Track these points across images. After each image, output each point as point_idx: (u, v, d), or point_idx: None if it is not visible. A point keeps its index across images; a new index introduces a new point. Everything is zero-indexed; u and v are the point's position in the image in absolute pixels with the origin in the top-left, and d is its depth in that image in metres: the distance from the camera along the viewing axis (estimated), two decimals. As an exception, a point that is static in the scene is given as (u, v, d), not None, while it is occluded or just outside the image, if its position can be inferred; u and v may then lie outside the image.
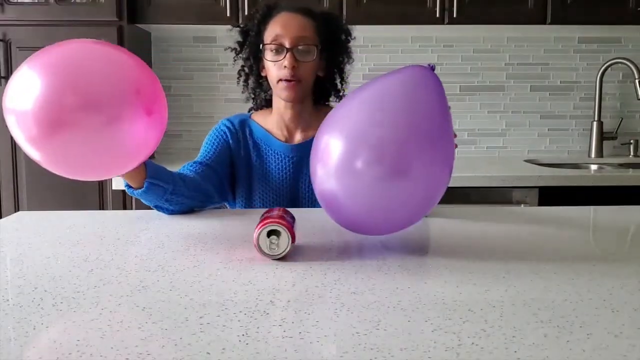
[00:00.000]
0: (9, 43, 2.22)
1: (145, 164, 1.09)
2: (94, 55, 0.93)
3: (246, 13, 2.21)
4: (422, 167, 0.82)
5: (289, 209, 0.95)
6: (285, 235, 0.84)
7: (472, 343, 0.56)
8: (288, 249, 0.84)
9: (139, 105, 0.92)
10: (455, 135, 0.93)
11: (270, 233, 0.84)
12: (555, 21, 2.29)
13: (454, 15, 2.25)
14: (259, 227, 0.85)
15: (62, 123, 0.86)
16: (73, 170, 0.96)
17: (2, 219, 1.13)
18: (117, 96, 0.90)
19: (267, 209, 0.94)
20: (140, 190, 1.09)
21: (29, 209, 2.25)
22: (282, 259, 0.85)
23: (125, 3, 2.22)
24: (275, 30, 1.26)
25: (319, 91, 1.39)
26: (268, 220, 0.85)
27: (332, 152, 0.84)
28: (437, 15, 2.26)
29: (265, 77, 1.34)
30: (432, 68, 0.86)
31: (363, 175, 0.81)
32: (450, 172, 0.85)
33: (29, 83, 0.88)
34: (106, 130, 0.88)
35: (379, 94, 0.85)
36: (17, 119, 0.88)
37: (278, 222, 0.85)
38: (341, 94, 1.43)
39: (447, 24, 2.28)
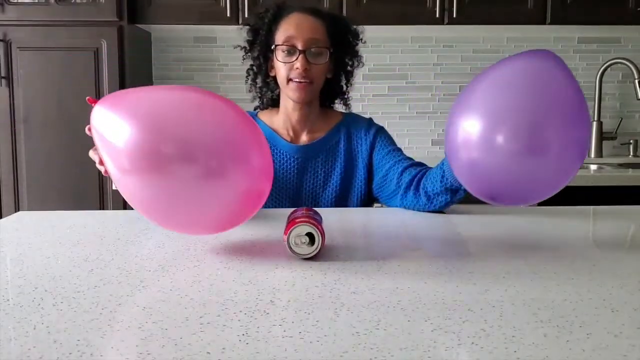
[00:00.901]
0: (9, 43, 2.22)
1: None
2: (194, 104, 0.84)
3: (246, 13, 2.21)
4: (557, 146, 0.86)
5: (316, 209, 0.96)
6: (317, 237, 0.85)
7: (472, 343, 0.56)
8: (318, 250, 0.85)
9: (243, 157, 0.82)
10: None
11: (306, 234, 0.85)
12: (555, 21, 2.29)
13: (454, 15, 2.26)
14: (292, 224, 0.85)
15: (157, 169, 0.79)
16: (164, 216, 0.86)
17: (2, 219, 1.13)
18: (218, 148, 0.81)
19: (294, 209, 0.94)
20: None
21: (29, 209, 2.25)
22: (310, 259, 0.85)
23: (125, 3, 2.22)
24: (288, 31, 1.26)
25: (326, 93, 1.39)
26: (303, 219, 0.85)
27: (472, 128, 0.89)
28: (437, 15, 2.26)
29: (274, 77, 1.34)
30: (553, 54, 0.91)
31: (502, 150, 0.86)
32: (584, 150, 0.89)
33: (122, 122, 0.81)
34: (205, 182, 0.80)
35: (512, 75, 0.89)
36: (109, 150, 0.82)
37: (313, 224, 0.85)
38: (346, 96, 1.43)
39: (447, 24, 2.28)
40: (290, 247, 0.84)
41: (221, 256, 0.87)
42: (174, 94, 0.85)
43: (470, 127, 0.89)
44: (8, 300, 0.68)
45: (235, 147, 0.82)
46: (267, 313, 0.64)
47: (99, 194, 2.27)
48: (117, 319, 0.63)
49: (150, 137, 0.79)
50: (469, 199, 1.13)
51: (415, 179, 1.20)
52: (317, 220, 0.87)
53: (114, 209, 2.24)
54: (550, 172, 0.88)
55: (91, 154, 1.00)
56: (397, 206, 1.26)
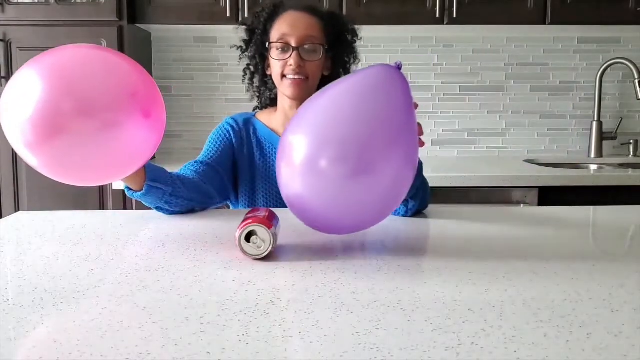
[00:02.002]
0: (9, 43, 2.22)
1: (144, 167, 1.09)
2: (89, 60, 0.92)
3: (246, 13, 2.21)
4: (385, 165, 0.81)
5: (274, 210, 0.95)
6: (266, 234, 0.84)
7: (472, 343, 0.56)
8: (269, 249, 0.84)
9: (136, 110, 0.91)
10: (422, 134, 0.94)
11: (251, 234, 0.84)
12: (554, 21, 2.29)
13: (454, 15, 2.26)
14: (241, 227, 0.85)
15: (58, 128, 0.86)
16: (71, 176, 0.95)
17: (2, 219, 1.13)
18: (113, 101, 0.89)
19: (251, 209, 0.94)
20: (139, 193, 1.09)
21: (29, 209, 2.25)
22: (264, 258, 0.85)
23: (125, 3, 2.22)
24: (282, 29, 1.26)
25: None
26: (249, 221, 0.85)
27: (296, 150, 0.83)
28: (437, 15, 2.26)
29: (271, 75, 1.34)
30: (399, 66, 0.86)
31: (327, 173, 0.80)
32: (414, 169, 0.85)
33: (24, 88, 0.87)
34: (102, 135, 0.88)
35: (344, 92, 0.85)
36: (14, 124, 0.88)
37: (258, 222, 0.85)
38: None
39: (447, 24, 2.28)
40: (242, 248, 0.85)
41: (221, 256, 0.87)
42: (63, 54, 0.92)
43: (295, 151, 0.83)
44: (8, 300, 0.68)
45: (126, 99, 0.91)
46: (267, 313, 0.64)
47: (99, 194, 2.27)
48: (117, 319, 0.63)
49: (49, 98, 0.86)
50: (469, 200, 1.13)
51: None
52: (268, 220, 0.86)
53: (114, 209, 2.24)
54: (379, 195, 0.83)
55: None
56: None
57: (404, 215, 1.17)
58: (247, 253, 0.84)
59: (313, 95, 0.89)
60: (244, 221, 0.86)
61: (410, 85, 0.85)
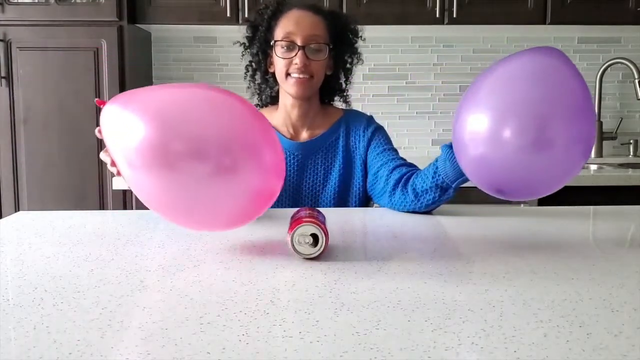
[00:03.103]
0: (9, 43, 2.22)
1: None
2: (207, 101, 0.83)
3: (246, 13, 2.21)
4: (564, 141, 0.87)
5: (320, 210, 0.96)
6: (321, 238, 0.84)
7: (472, 343, 0.56)
8: (321, 251, 0.85)
9: (255, 155, 0.82)
10: None
11: (310, 234, 0.85)
12: (555, 21, 2.29)
13: (454, 15, 2.26)
14: (296, 223, 0.85)
15: (168, 166, 0.79)
16: (176, 213, 0.86)
17: (2, 219, 1.13)
18: (231, 145, 0.80)
19: (298, 209, 0.94)
20: None
21: (29, 209, 2.25)
22: (314, 259, 0.85)
23: (125, 3, 2.22)
24: (287, 27, 1.26)
25: (325, 90, 1.39)
26: (309, 219, 0.85)
27: (479, 123, 0.90)
28: (437, 15, 2.26)
29: (273, 73, 1.34)
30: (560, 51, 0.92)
31: (509, 144, 0.87)
32: (589, 147, 0.90)
33: (132, 120, 0.81)
34: (217, 179, 0.79)
35: (518, 71, 0.90)
36: (119, 149, 0.82)
37: (318, 225, 0.85)
38: (345, 94, 1.43)
39: (447, 24, 2.28)
40: (293, 246, 0.84)
41: (221, 256, 0.87)
42: (184, 91, 0.85)
43: (477, 122, 0.90)
44: (8, 300, 0.68)
45: (247, 143, 0.81)
46: (267, 313, 0.64)
47: (99, 194, 2.27)
48: (117, 319, 0.63)
49: (161, 134, 0.79)
50: (468, 200, 1.13)
51: (404, 177, 1.20)
52: (321, 221, 0.87)
53: (114, 209, 2.24)
54: (556, 166, 0.89)
55: (102, 155, 0.96)
56: (385, 205, 1.24)
57: (416, 208, 1.17)
58: (299, 252, 0.85)
59: (483, 74, 0.94)
60: (300, 219, 0.86)
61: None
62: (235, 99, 0.84)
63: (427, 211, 1.18)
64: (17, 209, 2.26)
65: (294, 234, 0.84)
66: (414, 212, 1.18)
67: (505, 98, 0.89)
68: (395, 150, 1.34)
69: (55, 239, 0.98)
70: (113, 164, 0.91)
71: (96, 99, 0.90)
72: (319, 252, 0.84)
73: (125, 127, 0.82)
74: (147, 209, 1.18)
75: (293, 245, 0.84)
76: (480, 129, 0.90)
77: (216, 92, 0.84)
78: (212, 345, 0.55)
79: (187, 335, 0.58)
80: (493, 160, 0.91)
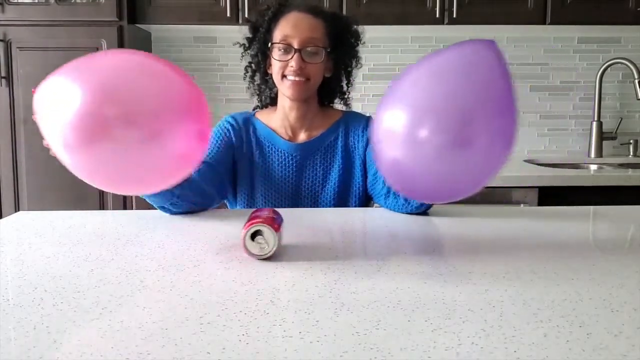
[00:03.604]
0: (9, 43, 2.22)
1: None
2: (138, 68, 0.87)
3: (246, 13, 2.21)
4: (485, 137, 0.82)
5: (278, 210, 0.95)
6: (271, 235, 0.84)
7: (472, 343, 0.56)
8: (274, 249, 0.84)
9: (183, 121, 0.85)
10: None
11: (256, 233, 0.84)
12: (554, 21, 2.29)
13: (454, 15, 2.26)
14: (246, 227, 0.85)
15: (101, 135, 0.81)
16: (105, 183, 0.90)
17: (2, 219, 1.13)
18: (160, 111, 0.84)
19: (255, 209, 0.94)
20: (149, 194, 1.09)
21: (29, 209, 2.25)
22: (266, 259, 0.85)
23: (125, 3, 2.22)
24: (285, 29, 1.26)
25: (325, 92, 1.39)
26: (255, 221, 0.85)
27: (397, 121, 0.84)
28: (437, 15, 2.26)
29: (272, 74, 1.34)
30: (494, 43, 0.87)
31: (427, 143, 0.82)
32: (511, 143, 0.86)
33: (66, 91, 0.83)
34: (147, 144, 0.82)
35: (441, 65, 0.86)
36: (51, 124, 0.84)
37: (264, 222, 0.85)
38: (346, 96, 1.43)
39: (447, 24, 2.28)
40: (245, 246, 0.85)
41: (221, 256, 0.87)
42: (115, 58, 0.89)
43: (393, 120, 0.84)
44: (8, 300, 0.68)
45: (174, 109, 0.84)
46: (267, 313, 0.64)
47: (99, 194, 2.27)
48: (117, 319, 0.63)
49: (93, 100, 0.81)
50: (468, 200, 1.13)
51: None
52: (274, 221, 0.87)
53: (114, 209, 2.24)
54: (477, 166, 0.84)
55: (45, 144, 0.93)
56: (383, 206, 1.25)
57: (408, 210, 1.16)
58: (251, 253, 0.84)
59: (407, 69, 0.90)
60: (249, 220, 0.86)
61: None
62: (165, 65, 0.88)
63: (422, 212, 1.18)
64: (17, 209, 2.26)
65: (245, 236, 0.84)
66: (409, 213, 1.18)
67: (421, 95, 0.84)
68: None
69: (55, 239, 0.98)
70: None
71: (32, 89, 0.91)
72: (269, 254, 0.84)
73: (57, 102, 0.84)
74: (148, 209, 1.18)
75: (246, 246, 0.84)
76: (397, 127, 0.83)
77: (147, 58, 0.88)
78: (212, 345, 0.55)
79: (187, 335, 0.58)
80: (410, 162, 0.85)
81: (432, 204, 1.18)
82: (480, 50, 0.85)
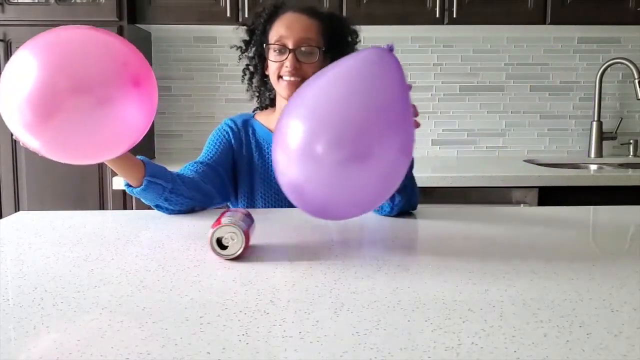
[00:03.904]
0: (9, 43, 2.22)
1: (144, 163, 1.09)
2: (80, 39, 0.94)
3: (246, 13, 2.21)
4: (380, 149, 0.80)
5: (250, 210, 0.95)
6: (239, 235, 0.84)
7: (472, 343, 0.56)
8: (241, 249, 0.84)
9: (127, 81, 0.92)
10: (417, 115, 0.91)
11: (222, 234, 0.84)
12: (554, 21, 2.29)
13: (454, 16, 2.25)
14: (213, 226, 0.85)
15: (54, 107, 0.87)
16: (71, 155, 0.96)
17: (2, 219, 1.13)
18: (106, 76, 0.91)
19: (226, 209, 0.94)
20: (139, 189, 1.09)
21: (29, 209, 2.25)
22: (237, 258, 0.84)
23: (125, 3, 2.22)
24: (280, 30, 1.26)
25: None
26: (220, 222, 0.85)
27: (291, 134, 0.82)
28: (437, 15, 2.26)
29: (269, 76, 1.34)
30: (391, 49, 0.86)
31: (322, 158, 0.79)
32: (410, 153, 0.85)
33: (19, 71, 0.89)
34: (98, 110, 0.89)
35: (338, 77, 0.84)
36: (11, 107, 0.89)
37: (232, 224, 0.84)
38: None
39: (447, 24, 2.28)
40: (212, 247, 0.85)
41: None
42: (64, 34, 0.94)
43: (291, 134, 0.82)
44: (8, 300, 0.68)
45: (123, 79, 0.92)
46: (267, 313, 0.64)
47: (99, 194, 2.27)
48: (117, 319, 0.63)
49: (44, 75, 0.87)
50: (469, 200, 1.13)
51: None
52: (242, 222, 0.86)
53: (114, 209, 2.23)
54: (376, 178, 0.82)
55: (15, 137, 0.97)
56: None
57: (389, 213, 1.15)
58: (220, 254, 0.84)
59: (308, 80, 0.89)
60: (216, 222, 0.86)
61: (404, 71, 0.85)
62: (113, 37, 0.97)
63: (398, 214, 1.18)
64: (17, 209, 2.26)
65: (212, 234, 0.84)
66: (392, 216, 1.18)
67: (319, 106, 0.82)
68: None
69: (55, 239, 0.98)
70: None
71: None
72: (236, 254, 0.84)
73: (10, 84, 0.89)
74: (147, 209, 1.18)
75: (212, 245, 0.84)
76: (293, 143, 0.81)
77: (95, 32, 0.95)
78: (212, 345, 0.55)
79: (187, 335, 0.58)
80: (304, 176, 0.83)
81: (414, 207, 1.18)
82: (377, 58, 0.85)
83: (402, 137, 0.83)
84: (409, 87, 0.86)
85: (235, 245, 0.84)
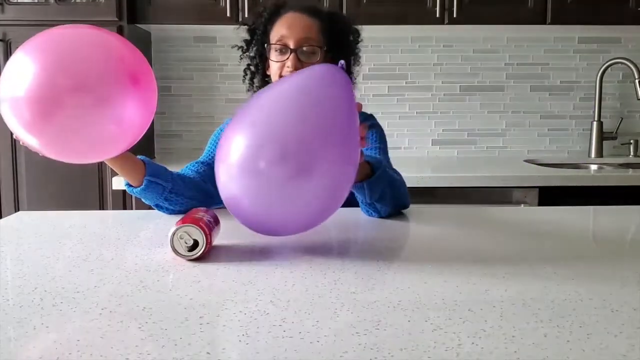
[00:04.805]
0: (9, 43, 2.22)
1: (145, 163, 1.09)
2: (77, 37, 0.95)
3: (246, 13, 2.21)
4: (323, 164, 0.80)
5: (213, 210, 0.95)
6: (200, 236, 0.84)
7: (472, 343, 0.56)
8: (202, 250, 0.84)
9: (125, 77, 0.93)
10: (363, 134, 0.90)
11: (183, 234, 0.84)
12: (555, 21, 2.28)
13: (454, 15, 2.25)
14: (175, 225, 0.85)
15: (54, 105, 0.88)
16: (72, 153, 0.97)
17: (2, 219, 1.13)
18: (103, 72, 0.91)
19: (192, 209, 0.94)
20: (139, 188, 1.09)
21: (29, 209, 2.25)
22: (202, 258, 0.84)
23: (125, 3, 2.22)
24: (281, 30, 1.26)
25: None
26: (184, 221, 0.85)
27: (233, 149, 0.82)
28: (437, 15, 2.26)
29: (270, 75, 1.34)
30: (342, 67, 0.86)
31: (265, 173, 0.79)
32: (354, 168, 0.84)
33: (18, 71, 0.90)
34: (97, 108, 0.90)
35: (285, 91, 0.84)
36: (11, 107, 0.89)
37: (193, 223, 0.84)
38: None
39: (447, 24, 2.28)
40: (172, 246, 0.84)
41: (221, 256, 0.87)
42: (65, 33, 0.95)
43: (234, 149, 0.82)
44: (8, 300, 0.68)
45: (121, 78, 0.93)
46: (267, 313, 0.64)
47: (99, 194, 2.27)
48: (117, 319, 0.63)
49: (47, 74, 0.88)
50: (469, 200, 1.13)
51: None
52: (205, 223, 0.86)
53: (114, 209, 2.23)
54: (322, 193, 0.82)
55: (15, 136, 0.97)
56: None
57: (379, 217, 1.15)
58: (179, 253, 0.84)
59: (257, 93, 0.89)
60: (179, 221, 0.86)
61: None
62: (109, 35, 0.97)
63: (400, 209, 1.18)
64: (17, 209, 2.26)
65: (173, 234, 0.84)
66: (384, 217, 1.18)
67: (263, 120, 0.82)
68: (385, 151, 1.34)
69: (55, 239, 0.98)
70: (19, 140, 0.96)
71: None
72: (196, 255, 0.84)
73: (10, 85, 0.90)
74: (148, 209, 1.18)
75: (172, 244, 0.84)
76: (235, 157, 0.81)
77: (94, 30, 0.96)
78: (212, 345, 0.55)
79: (187, 335, 0.58)
80: (249, 193, 0.82)
81: (406, 205, 1.18)
82: (323, 73, 0.84)
83: (345, 151, 0.83)
84: (359, 106, 0.86)
85: (199, 246, 0.83)
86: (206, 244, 0.84)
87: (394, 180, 1.14)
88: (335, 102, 0.83)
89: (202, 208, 0.93)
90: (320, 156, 0.80)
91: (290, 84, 0.85)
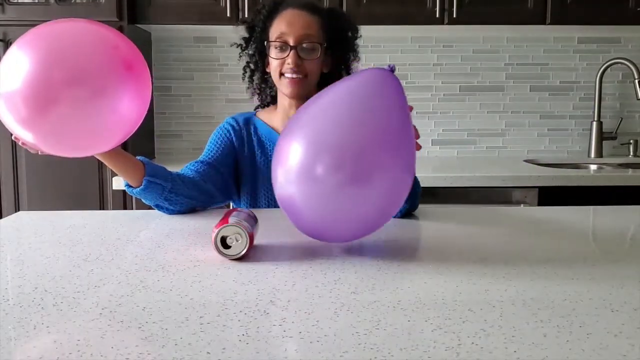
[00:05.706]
0: (9, 43, 2.22)
1: (144, 164, 1.09)
2: (70, 30, 0.95)
3: (246, 13, 2.21)
4: (382, 171, 0.80)
5: (253, 210, 0.95)
6: (244, 236, 0.84)
7: (472, 343, 0.56)
8: (245, 250, 0.84)
9: (119, 65, 0.93)
10: (418, 137, 0.91)
11: (227, 233, 0.84)
12: (554, 21, 2.29)
13: (454, 15, 2.25)
14: (217, 226, 0.85)
15: (50, 100, 0.88)
16: (70, 146, 0.97)
17: (2, 219, 1.13)
18: (97, 61, 0.92)
19: (231, 209, 0.94)
20: (139, 189, 1.09)
21: (29, 209, 2.25)
22: (241, 258, 0.84)
23: (125, 3, 2.22)
24: (280, 27, 1.26)
25: (323, 88, 1.39)
26: (226, 221, 0.85)
27: (292, 156, 0.82)
28: (437, 15, 2.26)
29: (271, 73, 1.34)
30: (392, 69, 0.85)
31: (323, 180, 0.79)
32: (412, 174, 0.84)
33: (13, 66, 0.89)
34: (93, 98, 0.90)
35: (339, 97, 0.84)
36: (7, 102, 0.89)
37: (237, 224, 0.85)
38: None
39: (447, 24, 2.28)
40: (216, 246, 0.84)
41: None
42: (61, 27, 0.96)
43: (291, 156, 0.82)
44: (8, 300, 0.68)
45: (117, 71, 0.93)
46: (267, 313, 0.64)
47: (99, 194, 2.27)
48: (117, 319, 0.63)
49: (43, 67, 0.88)
50: (469, 201, 1.13)
51: None
52: (246, 222, 0.86)
53: (114, 209, 2.24)
54: (377, 202, 0.81)
55: (14, 137, 0.98)
56: None
57: (393, 217, 1.16)
58: (223, 253, 0.84)
59: (309, 100, 0.89)
60: (220, 221, 0.86)
61: (408, 85, 0.85)
62: (100, 26, 0.97)
63: (411, 211, 1.18)
64: (17, 209, 2.26)
65: (217, 234, 0.84)
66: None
67: (319, 131, 0.81)
68: None
69: (55, 239, 0.98)
70: (17, 138, 0.96)
71: None
72: (240, 254, 0.84)
73: (5, 80, 0.90)
74: (148, 209, 1.18)
75: (216, 245, 0.84)
76: (293, 165, 0.81)
77: (84, 22, 0.97)
78: (212, 345, 0.55)
79: (187, 335, 0.58)
80: (310, 200, 0.82)
81: (416, 206, 1.18)
82: (376, 77, 0.83)
83: (403, 156, 0.82)
84: (410, 109, 0.86)
85: (239, 246, 0.84)
86: (249, 243, 0.84)
87: (417, 180, 1.16)
88: (389, 107, 0.82)
89: (242, 208, 0.95)
90: (376, 163, 0.79)
91: (341, 89, 0.85)
